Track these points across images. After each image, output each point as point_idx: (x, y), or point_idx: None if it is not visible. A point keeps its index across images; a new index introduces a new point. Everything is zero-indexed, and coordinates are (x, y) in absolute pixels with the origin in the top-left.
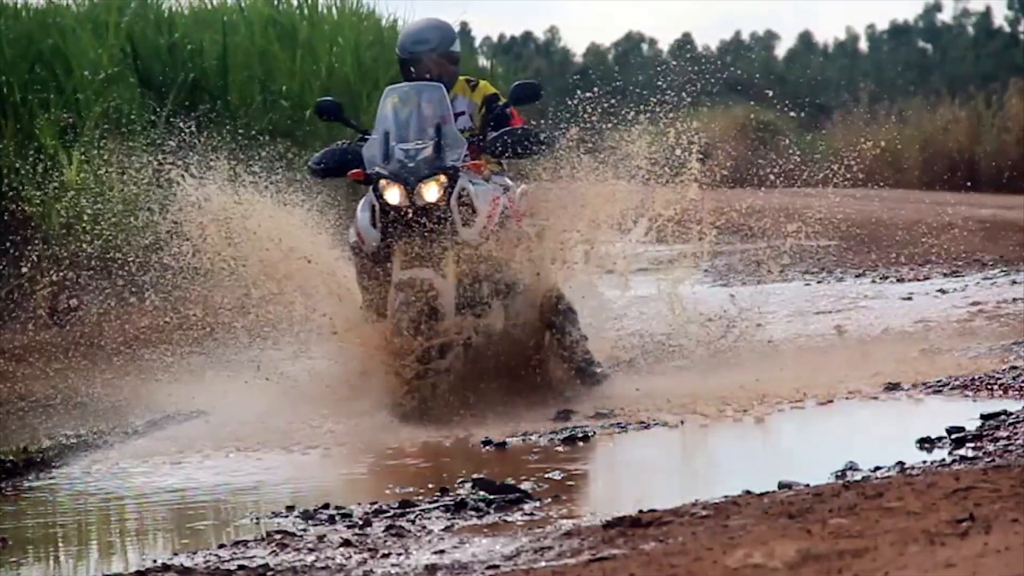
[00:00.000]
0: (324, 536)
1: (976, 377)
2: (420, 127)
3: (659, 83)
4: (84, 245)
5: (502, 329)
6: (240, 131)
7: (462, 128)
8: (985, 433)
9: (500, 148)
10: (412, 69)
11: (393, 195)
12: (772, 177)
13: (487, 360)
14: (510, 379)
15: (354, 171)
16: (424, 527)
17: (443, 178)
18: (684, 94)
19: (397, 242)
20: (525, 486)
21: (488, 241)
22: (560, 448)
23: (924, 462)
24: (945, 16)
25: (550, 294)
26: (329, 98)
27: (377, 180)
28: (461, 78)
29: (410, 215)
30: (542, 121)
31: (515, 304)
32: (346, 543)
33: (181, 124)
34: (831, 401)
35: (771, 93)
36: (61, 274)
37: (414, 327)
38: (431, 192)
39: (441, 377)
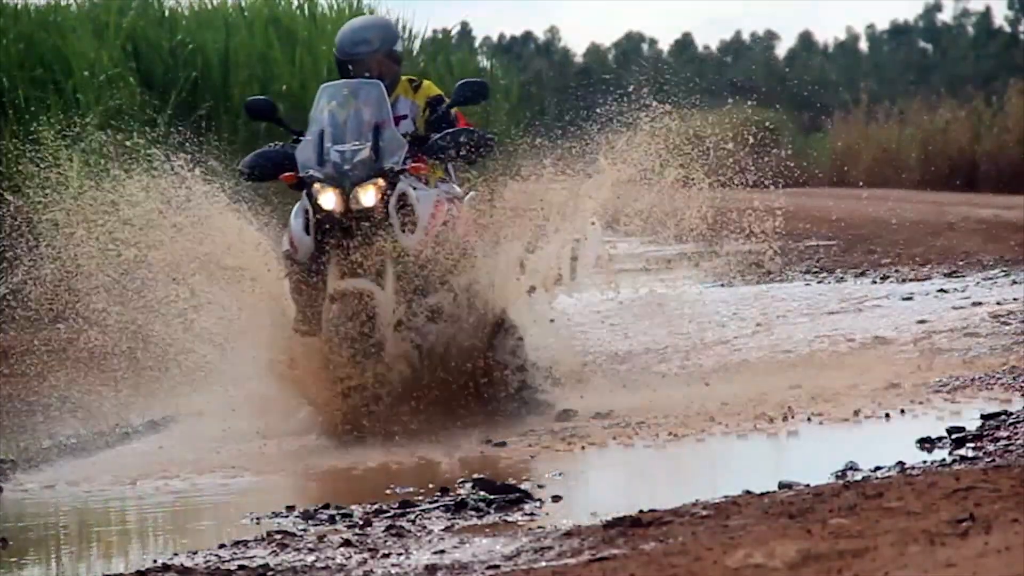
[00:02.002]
0: (324, 536)
1: (976, 377)
2: (357, 128)
3: (642, 82)
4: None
5: (443, 347)
6: (240, 131)
7: (404, 132)
8: (985, 433)
9: (443, 151)
10: (351, 69)
11: (328, 200)
12: (772, 177)
13: (427, 379)
14: (449, 400)
15: (286, 174)
16: (424, 527)
17: (381, 182)
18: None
19: (332, 251)
20: (525, 486)
21: (430, 250)
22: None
23: (924, 462)
24: (945, 16)
25: (493, 311)
26: (262, 96)
27: (310, 184)
28: (403, 78)
29: (346, 221)
30: (539, 118)
31: (457, 319)
32: (346, 543)
33: (182, 125)
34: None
35: (769, 92)
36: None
37: (350, 342)
38: (368, 196)
39: (377, 396)
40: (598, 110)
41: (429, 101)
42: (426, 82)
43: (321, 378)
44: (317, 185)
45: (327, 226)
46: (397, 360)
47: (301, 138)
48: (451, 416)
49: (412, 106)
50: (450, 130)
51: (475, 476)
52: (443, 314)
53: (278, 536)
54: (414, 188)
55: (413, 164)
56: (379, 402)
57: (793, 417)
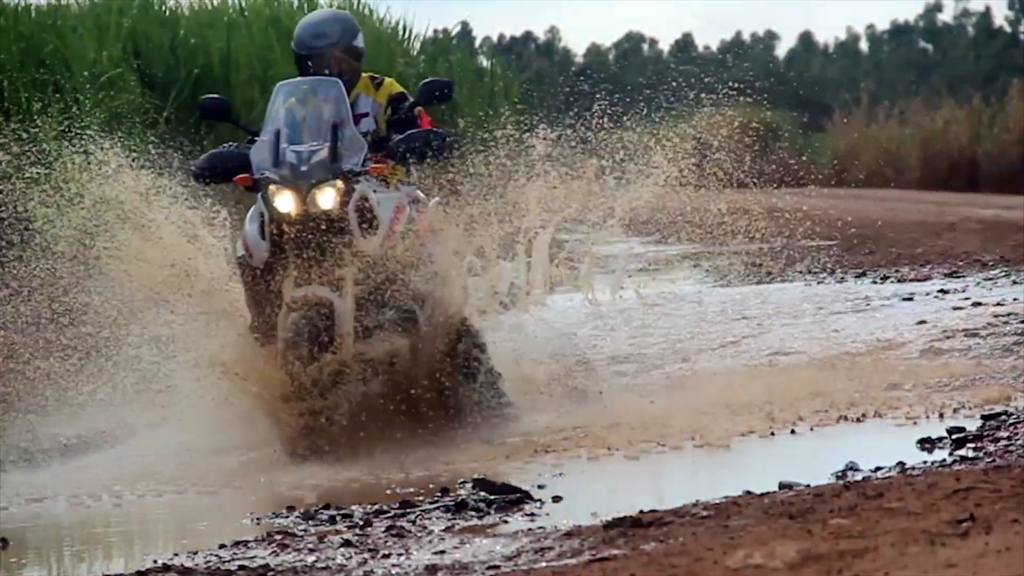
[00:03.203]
0: (325, 536)
1: (977, 377)
2: (315, 127)
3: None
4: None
5: (404, 357)
6: (241, 132)
7: (365, 131)
8: (986, 433)
9: (404, 151)
10: (310, 65)
11: (284, 202)
12: (772, 177)
13: (388, 391)
14: (412, 413)
15: (241, 175)
16: (424, 527)
17: (340, 183)
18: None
19: (289, 256)
20: (525, 486)
21: (391, 255)
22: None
23: (925, 462)
24: (945, 16)
25: (455, 319)
26: (215, 95)
27: (266, 186)
28: (365, 75)
29: (303, 225)
30: (540, 118)
31: (417, 329)
32: (347, 543)
33: (182, 125)
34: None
35: (769, 92)
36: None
37: (307, 352)
38: (326, 199)
39: (336, 409)
40: (591, 110)
41: (391, 99)
42: (388, 80)
43: (277, 389)
44: (273, 187)
45: (283, 230)
46: (356, 371)
47: (257, 138)
48: (412, 429)
49: (373, 104)
50: (413, 131)
51: (475, 476)
52: (404, 323)
53: (278, 536)
54: (375, 191)
55: (374, 166)
56: (336, 414)
57: (801, 419)
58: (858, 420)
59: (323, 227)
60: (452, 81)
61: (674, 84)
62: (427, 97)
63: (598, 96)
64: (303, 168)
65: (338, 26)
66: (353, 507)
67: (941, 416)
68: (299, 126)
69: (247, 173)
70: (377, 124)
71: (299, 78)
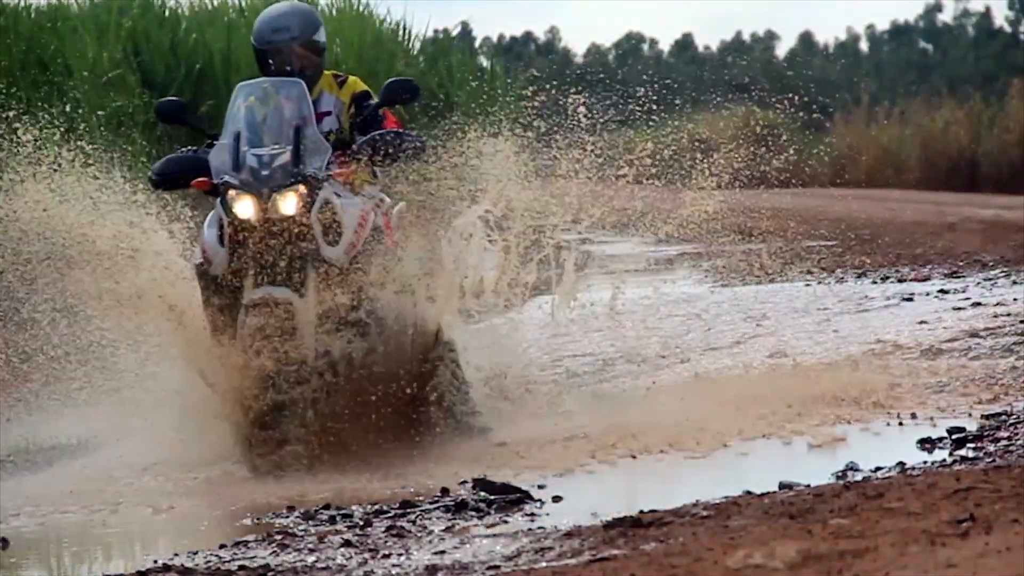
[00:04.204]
0: (325, 536)
1: (977, 377)
2: (276, 130)
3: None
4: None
5: (370, 365)
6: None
7: (327, 131)
8: (986, 433)
9: (369, 153)
10: (270, 61)
11: (244, 208)
12: (772, 177)
13: (352, 402)
14: (379, 426)
15: (199, 180)
16: (425, 527)
17: (302, 188)
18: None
19: (249, 264)
20: (525, 487)
21: (355, 263)
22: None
23: (925, 462)
24: (945, 16)
25: (426, 328)
26: (172, 98)
27: (225, 191)
28: (327, 73)
29: (264, 231)
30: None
31: (385, 338)
32: (347, 543)
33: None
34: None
35: (769, 92)
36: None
37: (267, 358)
38: (288, 204)
39: (297, 419)
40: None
41: (355, 97)
42: (352, 78)
43: (237, 399)
44: (232, 192)
45: (243, 237)
46: (319, 379)
47: (216, 141)
48: (378, 441)
49: (336, 102)
50: (378, 132)
51: (475, 476)
52: (370, 329)
53: (279, 536)
54: (338, 195)
55: (338, 171)
56: (299, 425)
57: (801, 419)
58: (858, 420)
59: (285, 234)
60: (415, 81)
61: (675, 85)
62: (391, 97)
63: (599, 95)
64: (264, 172)
65: (298, 19)
66: (353, 507)
67: (941, 416)
68: (260, 128)
69: (206, 178)
70: (340, 123)
71: (260, 78)
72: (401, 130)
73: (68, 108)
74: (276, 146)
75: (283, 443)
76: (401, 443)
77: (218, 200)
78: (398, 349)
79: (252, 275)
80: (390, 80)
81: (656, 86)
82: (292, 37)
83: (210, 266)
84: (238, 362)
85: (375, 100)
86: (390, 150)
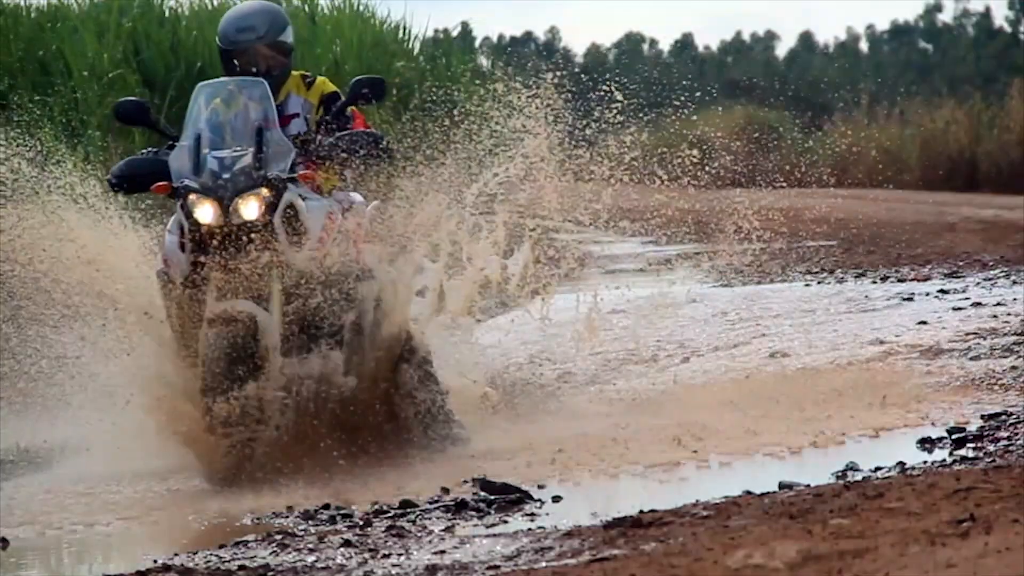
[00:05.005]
0: (325, 536)
1: (977, 377)
2: (238, 131)
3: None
4: None
5: (339, 377)
6: None
7: (295, 133)
8: (986, 433)
9: (335, 154)
10: (236, 62)
11: (205, 212)
12: (772, 177)
13: (321, 414)
14: (349, 438)
15: (159, 184)
16: (425, 527)
17: (265, 192)
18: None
19: (211, 270)
20: (525, 487)
21: (322, 268)
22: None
23: (925, 462)
24: (945, 16)
25: (397, 335)
26: (133, 98)
27: (186, 195)
28: (295, 73)
29: (226, 236)
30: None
31: (354, 346)
32: (347, 543)
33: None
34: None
35: (769, 92)
36: None
37: (230, 371)
38: (250, 208)
39: (262, 434)
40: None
41: (324, 99)
42: (320, 78)
43: (198, 412)
44: (193, 196)
45: (205, 242)
46: (284, 392)
47: (178, 143)
48: (347, 456)
49: (304, 104)
50: (345, 132)
51: (475, 477)
52: (338, 339)
53: (279, 536)
54: (304, 198)
55: (303, 173)
56: (261, 439)
57: (800, 418)
58: (858, 420)
59: (247, 239)
60: (384, 79)
61: (674, 85)
62: (357, 96)
63: (601, 93)
64: (225, 175)
65: (265, 19)
66: (353, 507)
67: (941, 416)
68: (222, 130)
69: (166, 181)
70: (308, 125)
71: (222, 78)
72: (369, 131)
73: (68, 108)
74: (238, 148)
75: (243, 460)
76: (371, 455)
77: (179, 204)
78: (368, 357)
79: (214, 285)
80: (357, 78)
81: (655, 86)
82: (258, 37)
83: (171, 272)
84: (198, 376)
85: (342, 100)
86: (359, 150)
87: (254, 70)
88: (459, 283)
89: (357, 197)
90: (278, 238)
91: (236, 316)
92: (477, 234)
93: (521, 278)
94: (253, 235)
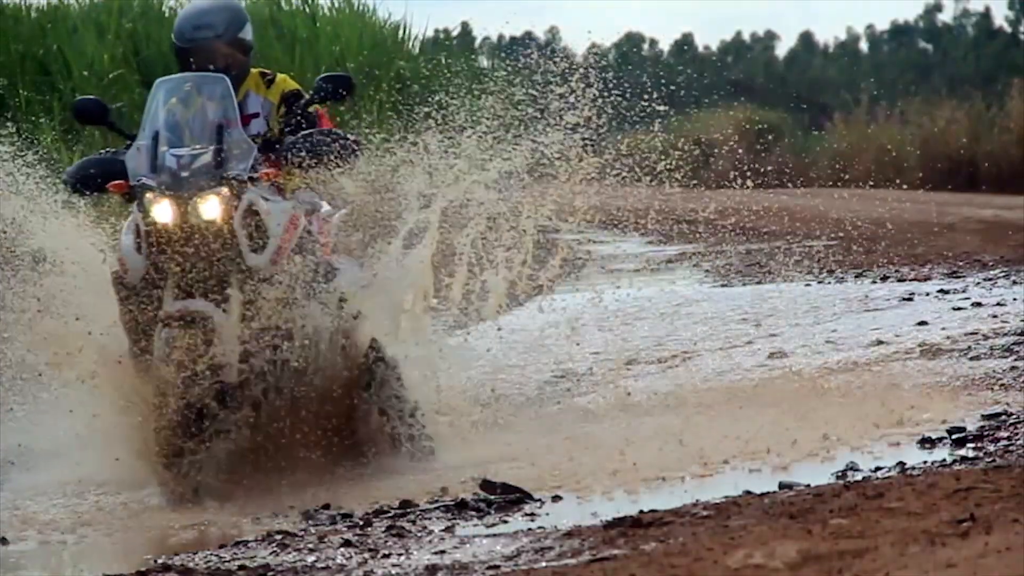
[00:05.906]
0: (325, 536)
1: (977, 377)
2: (198, 129)
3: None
4: None
5: (300, 384)
6: None
7: (255, 133)
8: (986, 433)
9: (299, 154)
10: (192, 61)
11: (162, 212)
12: (772, 177)
13: (281, 423)
14: (311, 448)
15: (116, 183)
16: (425, 527)
17: (225, 191)
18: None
19: (168, 272)
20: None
21: (283, 271)
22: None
23: (925, 462)
24: (945, 16)
25: (361, 342)
26: (91, 97)
27: (142, 194)
28: (254, 71)
29: (183, 237)
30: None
31: (317, 353)
32: (347, 543)
33: None
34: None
35: (769, 92)
36: None
37: (182, 377)
38: (210, 208)
39: (219, 443)
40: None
41: (285, 97)
42: (281, 76)
43: (151, 419)
44: (150, 195)
45: (162, 243)
46: (241, 399)
47: (135, 142)
48: (307, 469)
49: (264, 103)
50: (308, 132)
51: (474, 477)
52: (300, 345)
53: (279, 536)
54: (265, 199)
55: (264, 171)
56: (216, 449)
57: (800, 418)
58: (857, 420)
59: (206, 240)
60: (350, 76)
61: (674, 85)
62: (324, 94)
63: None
64: (184, 174)
65: (223, 15)
66: (353, 507)
67: (941, 416)
68: (180, 128)
69: (123, 180)
70: (269, 125)
71: (181, 74)
72: (333, 130)
73: (68, 108)
74: (197, 146)
75: (195, 472)
76: (334, 468)
77: (135, 204)
78: (331, 365)
79: (171, 285)
80: (323, 75)
81: (655, 85)
82: (216, 35)
83: (127, 274)
84: (156, 379)
85: (305, 98)
86: (323, 151)
87: (212, 69)
88: (456, 282)
89: (325, 205)
90: (237, 240)
91: (191, 316)
92: (473, 232)
93: (520, 278)
94: (212, 237)
